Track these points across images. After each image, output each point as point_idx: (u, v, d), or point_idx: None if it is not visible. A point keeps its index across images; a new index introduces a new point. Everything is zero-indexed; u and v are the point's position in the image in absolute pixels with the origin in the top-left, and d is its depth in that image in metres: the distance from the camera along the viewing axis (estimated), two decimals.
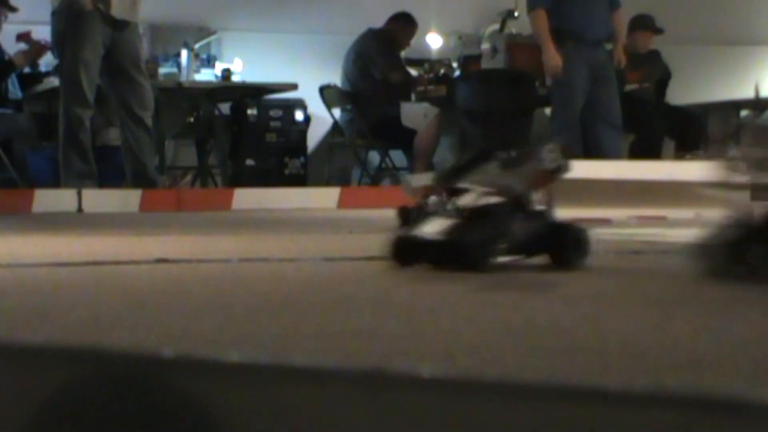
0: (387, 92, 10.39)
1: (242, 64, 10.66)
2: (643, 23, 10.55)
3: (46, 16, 8.09)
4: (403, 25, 10.72)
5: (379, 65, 10.42)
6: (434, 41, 11.37)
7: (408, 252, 2.64)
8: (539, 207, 2.74)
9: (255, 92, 10.34)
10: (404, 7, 10.86)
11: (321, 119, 10.76)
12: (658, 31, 10.66)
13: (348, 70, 10.55)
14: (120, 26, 7.94)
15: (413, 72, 10.75)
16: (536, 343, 1.71)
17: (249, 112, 10.23)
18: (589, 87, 9.13)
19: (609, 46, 9.35)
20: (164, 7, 10.58)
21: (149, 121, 8.09)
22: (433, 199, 2.71)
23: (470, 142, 9.92)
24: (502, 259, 2.66)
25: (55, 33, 8.04)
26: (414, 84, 10.57)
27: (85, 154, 7.97)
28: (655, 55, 10.74)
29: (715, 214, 2.28)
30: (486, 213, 2.65)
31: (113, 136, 9.12)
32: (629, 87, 10.22)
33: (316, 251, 3.74)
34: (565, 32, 9.03)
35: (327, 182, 10.53)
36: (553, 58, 9.02)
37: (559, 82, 9.12)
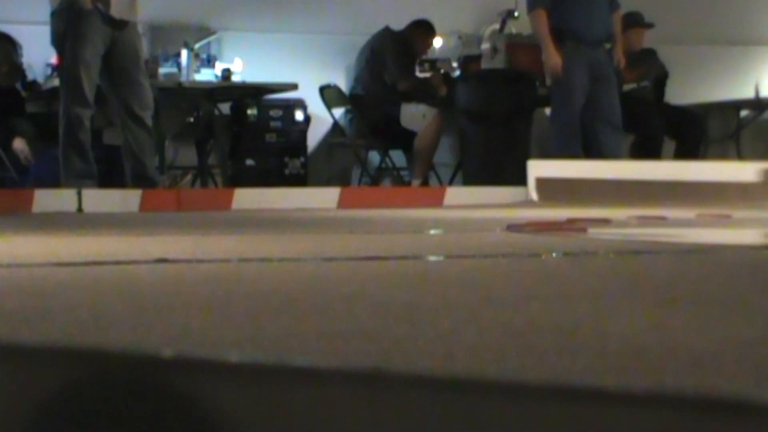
0: (395, 97, 10.36)
1: (242, 64, 10.66)
2: (632, 20, 10.51)
3: (46, 16, 8.09)
4: (423, 33, 10.63)
5: (390, 71, 10.38)
6: (434, 41, 11.36)
7: None
8: None
9: (255, 92, 10.34)
10: (404, 6, 10.85)
11: (321, 119, 10.76)
12: (649, 25, 10.63)
13: (359, 70, 10.50)
14: (120, 26, 7.94)
15: (425, 75, 10.69)
16: (536, 343, 1.71)
17: (249, 112, 10.24)
18: (589, 87, 9.13)
19: (607, 46, 9.35)
20: (164, 7, 10.58)
21: (149, 121, 8.08)
22: None
23: (470, 142, 9.92)
24: None
25: (55, 33, 8.04)
26: (425, 87, 10.50)
27: (85, 154, 7.97)
28: (650, 53, 10.73)
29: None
30: None
31: (113, 136, 9.12)
32: (627, 86, 10.22)
33: (316, 251, 3.74)
34: (565, 32, 9.03)
35: (327, 182, 10.53)
36: (552, 57, 9.02)
37: (559, 82, 9.11)
